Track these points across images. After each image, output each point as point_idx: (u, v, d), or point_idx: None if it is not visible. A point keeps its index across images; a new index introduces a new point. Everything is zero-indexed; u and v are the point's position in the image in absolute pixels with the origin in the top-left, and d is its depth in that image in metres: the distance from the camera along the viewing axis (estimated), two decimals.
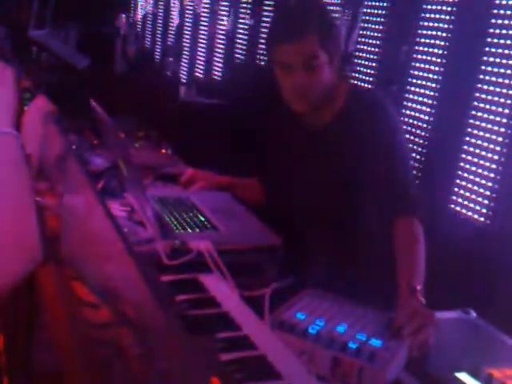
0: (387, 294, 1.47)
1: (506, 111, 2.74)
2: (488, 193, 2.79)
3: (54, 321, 1.17)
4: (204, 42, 6.41)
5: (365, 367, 1.17)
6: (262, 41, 4.96)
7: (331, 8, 4.16)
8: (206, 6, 6.40)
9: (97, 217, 0.98)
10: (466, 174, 2.91)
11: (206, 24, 6.39)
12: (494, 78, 2.81)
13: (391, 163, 1.64)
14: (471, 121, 2.91)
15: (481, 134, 2.85)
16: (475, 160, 2.87)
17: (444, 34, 3.17)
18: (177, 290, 1.35)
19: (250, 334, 1.19)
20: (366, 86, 3.77)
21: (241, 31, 5.68)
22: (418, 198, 1.66)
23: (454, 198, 2.96)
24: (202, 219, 1.73)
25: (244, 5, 5.64)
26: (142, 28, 8.17)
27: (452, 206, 2.96)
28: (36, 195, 1.38)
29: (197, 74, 6.17)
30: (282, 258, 1.65)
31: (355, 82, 3.72)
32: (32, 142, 1.34)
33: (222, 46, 6.02)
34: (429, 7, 3.28)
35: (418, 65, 3.33)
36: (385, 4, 3.67)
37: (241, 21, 5.69)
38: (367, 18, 3.82)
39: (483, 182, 2.82)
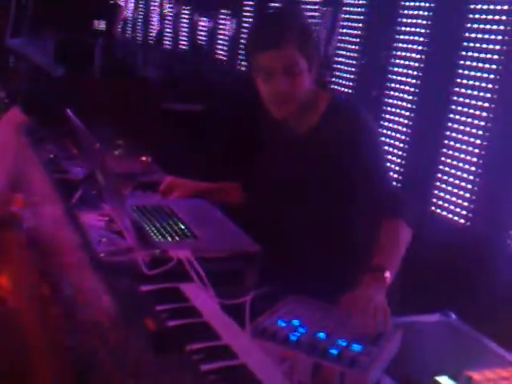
0: None
1: (484, 114, 2.77)
2: (468, 195, 2.81)
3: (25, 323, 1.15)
4: (185, 48, 6.40)
5: (346, 373, 1.17)
6: (243, 47, 4.97)
7: (311, 14, 4.18)
8: (186, 11, 6.40)
9: (64, 227, 0.97)
10: (445, 177, 2.94)
11: (186, 30, 6.39)
12: (471, 82, 2.84)
13: (372, 170, 1.65)
14: (450, 124, 2.93)
15: (460, 136, 2.88)
16: (454, 163, 2.89)
17: (421, 39, 3.20)
18: (157, 299, 1.33)
19: (230, 343, 1.18)
20: (345, 91, 3.80)
21: (221, 37, 5.68)
22: (402, 200, 1.67)
23: (435, 200, 2.98)
24: (182, 227, 1.72)
25: (225, 11, 5.65)
26: (122, 34, 8.16)
27: (432, 208, 2.98)
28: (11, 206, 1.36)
29: (178, 80, 6.17)
30: (261, 264, 1.64)
31: (335, 90, 3.74)
32: (4, 154, 1.33)
33: (204, 53, 6.02)
34: (406, 12, 3.31)
35: (396, 69, 3.36)
36: (363, 9, 3.70)
37: (221, 26, 5.70)
38: (346, 23, 3.85)
39: (463, 184, 2.85)
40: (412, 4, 3.27)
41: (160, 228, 1.69)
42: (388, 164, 3.31)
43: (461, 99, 2.89)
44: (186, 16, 6.40)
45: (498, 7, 2.74)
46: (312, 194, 1.75)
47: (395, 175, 3.29)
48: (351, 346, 1.24)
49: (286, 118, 1.74)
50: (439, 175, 2.97)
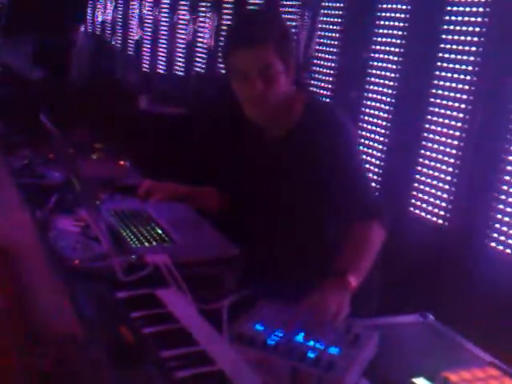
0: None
1: (461, 115, 2.79)
2: (445, 195, 2.83)
3: None
4: (164, 51, 6.38)
5: (323, 377, 1.17)
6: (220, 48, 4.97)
7: (290, 16, 4.19)
8: (166, 15, 6.38)
9: (34, 234, 0.95)
10: (423, 178, 2.96)
11: (165, 33, 6.37)
12: (448, 83, 2.87)
13: (348, 173, 1.64)
14: (427, 125, 2.96)
15: (437, 138, 2.90)
16: (432, 163, 2.92)
17: (399, 41, 3.22)
18: (133, 306, 1.32)
19: (207, 349, 1.18)
20: (324, 92, 3.81)
21: (200, 40, 5.67)
22: (378, 205, 1.67)
23: (413, 201, 3.00)
24: (160, 232, 1.70)
25: (203, 14, 5.64)
26: (100, 39, 8.10)
27: (411, 208, 3.00)
28: None
29: (156, 83, 6.14)
30: (240, 268, 1.64)
31: (313, 93, 3.75)
32: None
33: (181, 55, 6.00)
34: (383, 14, 3.33)
35: (374, 71, 3.38)
36: (342, 12, 3.71)
37: (200, 29, 5.68)
38: (325, 26, 3.86)
39: (440, 184, 2.87)
40: (389, 6, 3.29)
41: (137, 233, 1.67)
42: (365, 165, 3.34)
43: (438, 100, 2.91)
44: (165, 19, 6.38)
45: (474, 9, 2.76)
46: (288, 195, 1.74)
47: (374, 176, 3.31)
48: (328, 349, 1.24)
49: (262, 120, 1.74)
50: (417, 176, 2.99)
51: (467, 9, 2.79)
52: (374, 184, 3.30)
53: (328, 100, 3.70)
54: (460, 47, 2.81)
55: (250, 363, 1.20)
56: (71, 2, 7.25)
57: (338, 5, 3.74)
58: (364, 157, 3.36)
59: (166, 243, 1.65)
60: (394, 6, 3.25)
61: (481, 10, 2.74)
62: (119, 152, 2.68)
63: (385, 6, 3.31)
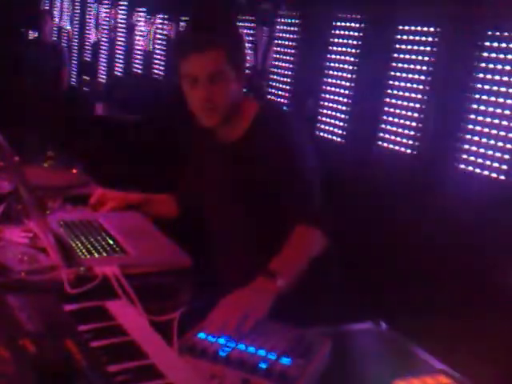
0: (301, 310, 1.46)
1: (414, 124, 2.84)
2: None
3: None
4: (121, 57, 6.31)
5: None
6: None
7: (247, 24, 4.20)
8: (123, 22, 6.31)
9: None
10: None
11: (122, 40, 6.31)
12: (401, 93, 2.92)
13: (295, 180, 1.64)
14: (381, 134, 3.00)
15: (391, 146, 2.95)
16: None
17: (353, 50, 3.27)
18: (81, 319, 1.28)
19: (157, 362, 1.15)
20: (282, 101, 3.83)
21: (158, 46, 5.63)
22: (323, 213, 1.66)
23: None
24: (111, 242, 1.67)
25: (160, 21, 5.60)
26: (57, 45, 7.96)
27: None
28: None
29: (113, 89, 6.07)
30: (194, 278, 1.62)
31: (269, 100, 3.76)
32: None
33: (139, 62, 5.94)
34: (338, 24, 3.37)
35: (330, 80, 3.41)
36: (298, 21, 3.74)
37: (158, 36, 5.64)
38: (281, 34, 3.89)
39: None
40: (344, 16, 3.33)
41: (87, 244, 1.63)
42: (318, 171, 3.36)
43: (391, 109, 2.96)
44: (123, 23, 6.32)
45: (428, 16, 2.82)
46: (241, 202, 1.74)
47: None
48: (280, 359, 1.23)
49: (213, 127, 1.73)
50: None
51: (419, 15, 2.85)
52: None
53: (285, 108, 3.72)
54: (413, 56, 2.87)
55: (201, 375, 1.18)
56: (22, 8, 7.11)
57: (294, 13, 3.78)
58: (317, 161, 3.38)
59: (117, 254, 1.62)
60: (349, 15, 3.29)
61: (432, 29, 2.80)
62: (72, 160, 2.62)
63: (340, 15, 3.35)
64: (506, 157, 2.43)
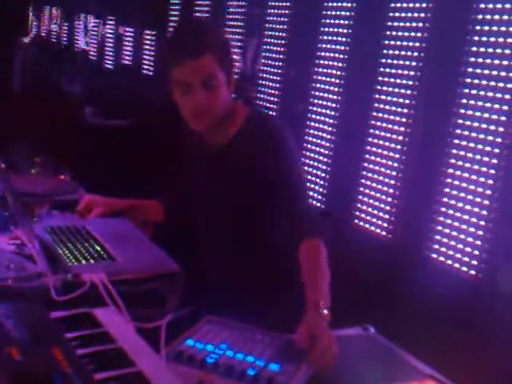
0: (286, 319, 1.45)
1: (402, 129, 2.85)
2: (388, 207, 2.88)
3: None
4: (110, 62, 6.30)
5: None
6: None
7: (236, 30, 4.21)
8: (111, 28, 6.30)
9: None
10: (367, 191, 3.00)
11: (111, 45, 6.30)
12: (389, 98, 2.93)
13: (287, 186, 1.64)
14: (370, 139, 3.01)
15: (379, 151, 2.95)
16: (375, 176, 2.96)
17: (341, 56, 3.28)
18: (69, 326, 1.28)
19: (144, 369, 1.14)
20: (271, 106, 3.83)
21: (147, 52, 5.63)
22: (318, 219, 1.66)
23: (358, 213, 3.03)
24: (98, 249, 1.66)
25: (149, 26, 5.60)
26: (46, 50, 7.95)
27: (356, 221, 3.03)
28: None
29: (103, 94, 6.05)
30: (182, 285, 1.61)
31: (258, 106, 3.77)
32: None
33: (128, 66, 5.93)
34: (326, 30, 3.38)
35: (318, 85, 3.42)
36: (286, 26, 3.76)
37: (147, 42, 5.64)
38: (271, 40, 3.90)
39: (383, 197, 2.91)
40: (332, 22, 3.34)
41: (74, 250, 1.62)
42: (308, 178, 3.37)
43: (380, 114, 2.97)
44: (111, 29, 6.31)
45: (414, 24, 2.83)
46: (229, 208, 1.73)
47: (320, 189, 3.34)
48: (268, 365, 1.23)
49: (204, 132, 1.73)
50: (361, 188, 3.03)
51: (407, 24, 2.86)
52: (319, 196, 3.33)
53: (274, 113, 3.72)
54: (401, 61, 2.88)
55: (188, 382, 1.18)
56: (11, 14, 7.09)
57: (283, 19, 3.79)
58: (309, 169, 3.39)
59: (105, 260, 1.61)
60: (337, 21, 3.31)
61: (419, 35, 2.82)
62: (60, 166, 2.61)
63: (328, 21, 3.36)
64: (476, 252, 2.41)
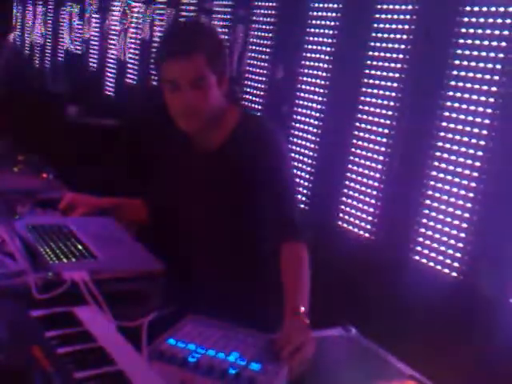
0: (271, 319, 1.45)
1: (386, 131, 2.87)
2: (371, 209, 2.89)
3: None
4: (95, 62, 6.26)
5: None
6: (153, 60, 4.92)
7: (222, 30, 4.21)
8: (96, 27, 6.27)
9: None
10: (351, 192, 3.01)
11: (96, 45, 6.26)
12: (374, 100, 2.94)
13: (278, 189, 1.63)
14: (354, 140, 3.02)
15: (364, 153, 2.97)
16: (359, 178, 2.98)
17: (327, 57, 3.29)
18: (49, 325, 1.26)
19: (124, 368, 1.14)
20: (256, 106, 3.83)
21: (132, 51, 5.60)
22: (302, 222, 1.66)
23: (341, 215, 3.04)
24: (80, 247, 1.65)
25: (134, 25, 5.58)
26: (30, 48, 7.88)
27: (339, 222, 3.04)
28: None
29: (88, 93, 6.01)
30: (165, 284, 1.60)
31: (246, 107, 3.77)
32: None
33: (113, 66, 5.90)
34: (312, 30, 3.39)
35: (304, 87, 3.43)
36: (272, 27, 3.76)
37: (132, 40, 5.61)
38: (256, 40, 3.90)
39: (367, 199, 2.92)
40: (318, 23, 3.35)
41: (56, 249, 1.61)
42: (296, 180, 3.38)
43: (365, 117, 2.98)
44: (96, 28, 6.28)
45: (400, 26, 2.85)
46: (218, 209, 1.73)
47: (304, 190, 3.35)
48: (250, 365, 1.22)
49: (194, 133, 1.71)
50: (345, 190, 3.04)
51: (393, 26, 2.88)
52: (302, 197, 3.33)
53: (259, 113, 3.72)
54: (386, 64, 2.90)
55: (170, 382, 1.17)
56: None
57: (269, 20, 3.79)
58: (294, 170, 3.40)
59: (87, 259, 1.59)
60: (323, 22, 3.32)
61: (405, 38, 2.83)
62: (43, 164, 2.58)
63: (314, 22, 3.37)
64: (458, 255, 2.43)
